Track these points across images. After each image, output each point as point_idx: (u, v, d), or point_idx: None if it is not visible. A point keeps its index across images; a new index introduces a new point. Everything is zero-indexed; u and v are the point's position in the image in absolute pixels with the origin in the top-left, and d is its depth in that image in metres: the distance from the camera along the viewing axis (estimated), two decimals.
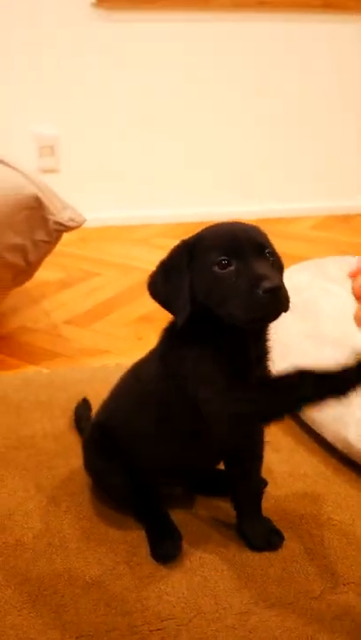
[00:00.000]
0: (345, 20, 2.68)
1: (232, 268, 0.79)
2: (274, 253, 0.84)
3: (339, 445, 1.14)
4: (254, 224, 0.87)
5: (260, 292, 0.76)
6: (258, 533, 0.96)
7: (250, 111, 2.75)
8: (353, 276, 0.73)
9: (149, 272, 0.88)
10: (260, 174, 2.86)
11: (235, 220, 0.88)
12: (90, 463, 1.04)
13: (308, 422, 1.21)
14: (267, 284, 0.76)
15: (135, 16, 2.45)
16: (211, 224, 0.87)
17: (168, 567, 0.91)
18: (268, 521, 0.98)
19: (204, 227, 0.87)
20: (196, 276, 0.82)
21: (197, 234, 0.86)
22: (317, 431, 1.19)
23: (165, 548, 0.94)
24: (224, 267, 0.79)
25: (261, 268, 0.79)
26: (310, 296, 1.39)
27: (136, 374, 0.99)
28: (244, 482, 0.97)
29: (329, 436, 1.16)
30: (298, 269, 1.57)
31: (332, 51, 2.73)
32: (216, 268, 0.80)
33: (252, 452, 0.97)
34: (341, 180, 2.96)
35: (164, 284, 0.86)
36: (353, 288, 0.72)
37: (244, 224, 0.85)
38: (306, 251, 2.25)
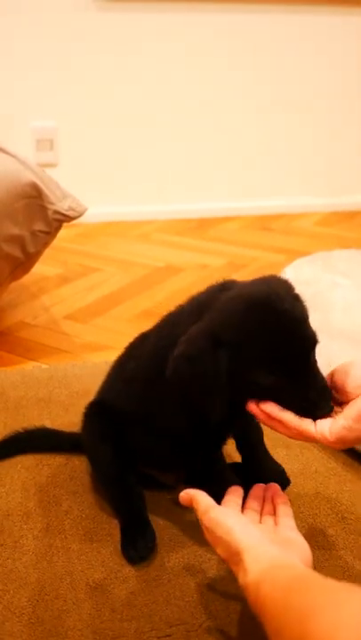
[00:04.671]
0: (349, 13, 2.64)
1: (277, 379, 0.72)
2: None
3: None
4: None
5: (314, 417, 0.73)
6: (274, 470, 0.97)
7: (253, 105, 2.71)
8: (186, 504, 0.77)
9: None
10: (262, 170, 2.82)
11: (269, 278, 0.78)
12: (84, 437, 1.01)
13: None
14: (319, 413, 0.73)
15: (136, 6, 2.41)
16: (252, 305, 0.73)
17: (176, 570, 0.86)
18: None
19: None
20: (233, 381, 0.73)
21: (234, 329, 0.72)
22: None
23: (135, 548, 0.88)
24: (268, 378, 0.72)
25: (313, 388, 0.72)
26: (319, 289, 1.37)
27: (130, 352, 0.97)
28: (251, 443, 0.95)
29: None
30: (305, 262, 1.54)
31: (336, 45, 2.70)
32: (260, 381, 0.72)
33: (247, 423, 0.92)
34: (346, 176, 2.92)
35: (195, 382, 0.76)
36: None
37: (293, 309, 0.74)
38: (310, 246, 2.20)
